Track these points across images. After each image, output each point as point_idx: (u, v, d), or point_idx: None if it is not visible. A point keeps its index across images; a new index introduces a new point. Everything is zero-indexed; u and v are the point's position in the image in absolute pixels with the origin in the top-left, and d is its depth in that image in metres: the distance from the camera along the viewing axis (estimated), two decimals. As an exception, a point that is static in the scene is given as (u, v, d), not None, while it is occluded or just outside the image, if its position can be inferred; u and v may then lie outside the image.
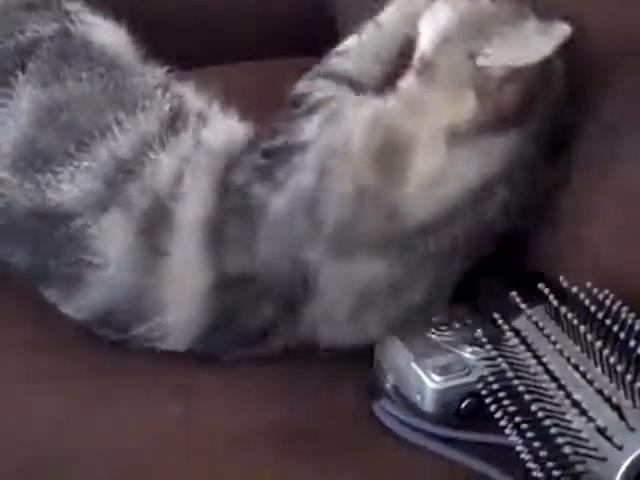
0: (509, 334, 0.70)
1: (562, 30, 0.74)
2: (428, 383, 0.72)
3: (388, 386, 0.76)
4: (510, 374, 0.66)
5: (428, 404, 0.73)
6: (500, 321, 0.72)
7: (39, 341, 0.82)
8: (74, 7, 0.93)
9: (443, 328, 0.78)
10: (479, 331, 0.73)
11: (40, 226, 0.80)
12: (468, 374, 0.73)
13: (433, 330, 0.77)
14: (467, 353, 0.74)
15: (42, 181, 0.80)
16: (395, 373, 0.76)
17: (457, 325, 0.78)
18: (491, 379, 0.67)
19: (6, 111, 0.83)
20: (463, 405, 0.72)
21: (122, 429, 0.73)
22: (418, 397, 0.73)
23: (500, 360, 0.68)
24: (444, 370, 0.73)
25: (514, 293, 0.73)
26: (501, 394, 0.65)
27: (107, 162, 0.79)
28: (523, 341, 0.70)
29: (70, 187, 0.79)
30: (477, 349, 0.74)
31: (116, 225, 0.78)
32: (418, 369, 0.73)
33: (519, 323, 0.72)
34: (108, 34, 0.91)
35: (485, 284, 0.81)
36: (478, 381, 0.69)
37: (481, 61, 0.75)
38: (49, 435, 0.73)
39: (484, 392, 0.67)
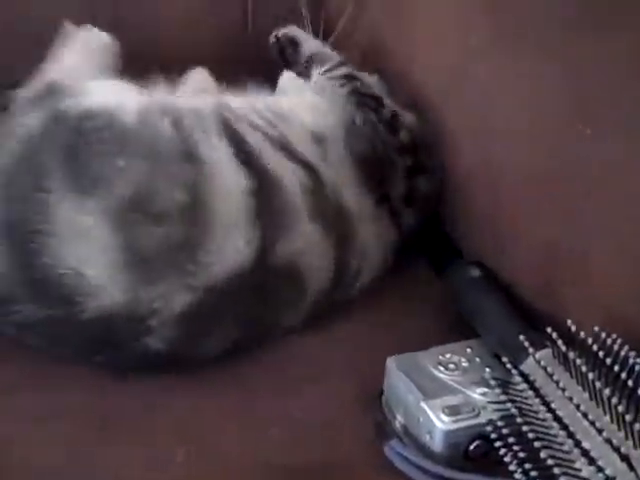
0: (518, 379, 0.71)
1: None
2: (437, 423, 0.73)
3: (397, 425, 0.77)
4: (520, 419, 0.67)
5: (437, 445, 0.73)
6: (509, 365, 0.73)
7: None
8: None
9: (451, 367, 0.79)
10: (488, 373, 0.74)
11: None
12: (477, 415, 0.73)
13: (441, 369, 0.78)
14: (476, 394, 0.75)
15: None
16: (404, 412, 0.77)
17: (465, 364, 0.79)
18: (500, 423, 0.68)
19: None
20: (472, 447, 0.73)
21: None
22: (427, 437, 0.74)
23: (509, 405, 0.69)
24: (453, 411, 0.74)
25: (522, 337, 0.74)
26: (511, 439, 0.66)
27: None
28: (532, 386, 0.71)
29: None
30: (486, 390, 0.75)
31: None
32: (427, 409, 0.74)
33: (527, 367, 0.73)
34: None
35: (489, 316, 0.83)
36: (487, 424, 0.70)
37: None
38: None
39: (493, 436, 0.68)
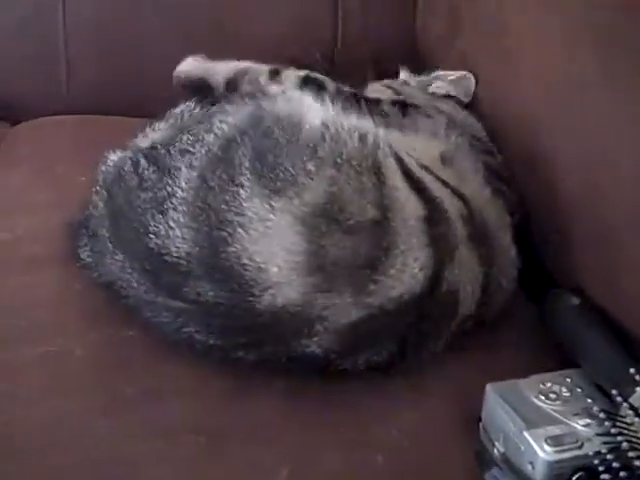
0: (628, 412, 0.70)
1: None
2: (540, 454, 0.72)
3: (496, 453, 0.76)
4: (632, 454, 0.66)
5: (539, 475, 0.72)
6: (618, 398, 0.72)
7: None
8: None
9: (552, 397, 0.77)
10: (594, 405, 0.73)
11: None
12: (581, 447, 0.72)
13: (542, 398, 0.77)
14: (579, 425, 0.74)
15: None
16: (504, 440, 0.76)
17: (566, 394, 0.78)
18: (610, 457, 0.67)
19: None
20: (574, 478, 0.72)
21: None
22: (529, 467, 0.73)
23: (620, 438, 0.68)
24: (557, 441, 0.73)
25: (633, 370, 0.72)
26: (622, 474, 0.65)
27: None
28: (642, 419, 0.70)
29: None
30: (590, 421, 0.74)
31: None
32: (530, 438, 0.73)
33: (636, 399, 0.72)
34: None
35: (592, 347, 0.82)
36: (594, 456, 0.69)
37: None
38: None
39: (601, 469, 0.67)
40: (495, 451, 0.76)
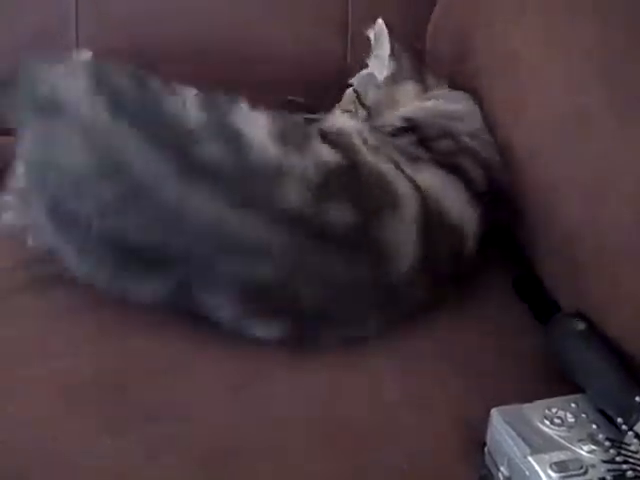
0: (633, 440, 0.70)
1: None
2: (545, 479, 0.73)
3: (501, 478, 0.77)
4: (636, 482, 0.66)
5: (544, 500, 0.73)
6: (623, 426, 0.72)
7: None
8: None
9: (557, 422, 0.78)
10: (599, 432, 0.73)
11: None
12: (585, 473, 0.72)
13: (547, 423, 0.78)
14: (583, 451, 0.74)
15: None
16: (509, 464, 0.76)
17: (571, 420, 0.78)
18: (614, 484, 0.68)
19: None
20: (578, 505, 0.73)
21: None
22: (534, 492, 0.73)
23: (625, 467, 0.68)
24: (561, 467, 0.73)
25: (638, 398, 0.73)
26: (627, 501, 0.65)
27: None
28: (647, 447, 0.70)
29: None
30: (594, 448, 0.74)
31: None
32: (535, 464, 0.73)
33: (640, 427, 0.72)
34: None
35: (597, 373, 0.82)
36: (598, 483, 0.69)
37: None
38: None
39: (606, 496, 0.68)
40: (500, 475, 0.77)
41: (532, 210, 1.01)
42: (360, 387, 0.86)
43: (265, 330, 0.88)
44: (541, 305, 0.99)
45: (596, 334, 0.86)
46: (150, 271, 0.87)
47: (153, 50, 1.22)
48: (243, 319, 0.88)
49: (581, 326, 0.87)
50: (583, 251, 0.91)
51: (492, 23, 1.09)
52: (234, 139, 0.87)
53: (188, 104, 0.88)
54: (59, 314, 0.91)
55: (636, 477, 0.67)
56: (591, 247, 0.89)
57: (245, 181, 0.86)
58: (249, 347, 0.87)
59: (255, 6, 1.28)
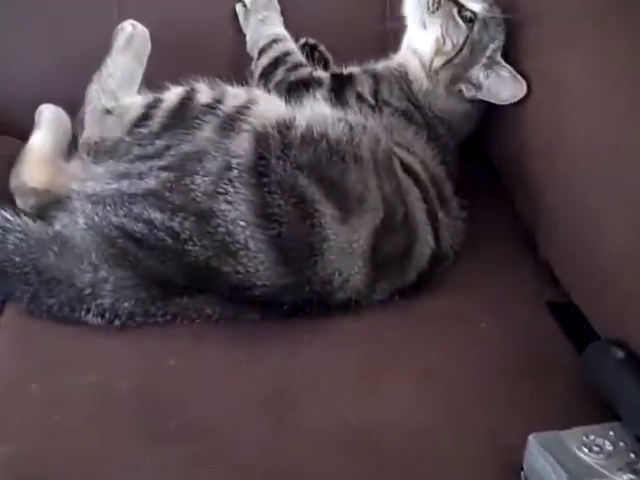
0: (673, 470, 0.70)
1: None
2: (583, 506, 0.73)
3: (538, 503, 0.77)
4: (677, 512, 0.66)
5: (582, 527, 0.73)
6: (662, 455, 0.72)
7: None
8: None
9: (595, 449, 0.78)
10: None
11: None
12: (623, 502, 0.73)
13: (585, 450, 0.77)
14: (622, 480, 0.74)
15: None
16: (547, 491, 0.76)
17: (609, 448, 0.78)
18: (655, 514, 0.67)
19: None
20: (615, 533, 0.72)
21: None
22: (572, 519, 0.73)
23: (666, 496, 0.68)
24: (599, 495, 0.73)
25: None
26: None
27: None
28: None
29: None
30: (633, 477, 0.74)
31: None
32: (573, 491, 0.74)
33: (680, 457, 0.72)
34: None
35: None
36: (638, 512, 0.69)
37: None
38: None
39: (645, 525, 0.67)
40: (537, 501, 0.77)
41: (569, 236, 1.01)
42: (395, 410, 0.87)
43: None
44: (578, 331, 0.98)
45: (635, 362, 0.86)
46: None
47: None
48: None
49: (620, 354, 0.87)
50: (625, 281, 0.90)
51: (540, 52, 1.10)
52: None
53: None
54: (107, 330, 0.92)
55: (677, 507, 0.67)
56: (634, 276, 0.89)
57: None
58: (281, 363, 0.89)
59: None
